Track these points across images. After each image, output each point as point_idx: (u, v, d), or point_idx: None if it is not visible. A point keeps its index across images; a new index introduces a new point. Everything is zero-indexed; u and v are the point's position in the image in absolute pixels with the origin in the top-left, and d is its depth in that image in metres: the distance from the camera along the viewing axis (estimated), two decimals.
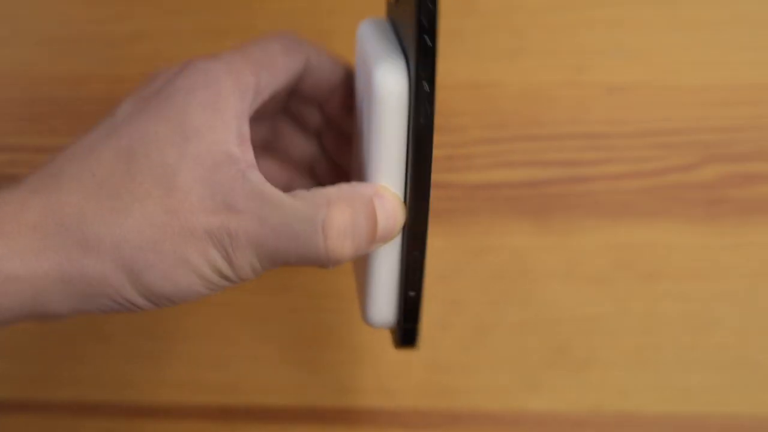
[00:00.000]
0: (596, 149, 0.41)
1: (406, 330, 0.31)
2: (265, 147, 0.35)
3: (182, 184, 0.27)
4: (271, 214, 0.27)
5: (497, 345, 0.41)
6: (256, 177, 0.28)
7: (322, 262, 0.28)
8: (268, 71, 0.31)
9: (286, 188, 0.29)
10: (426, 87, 0.28)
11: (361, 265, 0.32)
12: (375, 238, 0.29)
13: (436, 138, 0.41)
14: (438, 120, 0.42)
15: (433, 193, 0.41)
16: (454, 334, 0.41)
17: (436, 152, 0.41)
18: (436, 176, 0.41)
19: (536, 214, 0.41)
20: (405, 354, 0.41)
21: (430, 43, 0.28)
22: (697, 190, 0.41)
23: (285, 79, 0.32)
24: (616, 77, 0.41)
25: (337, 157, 0.36)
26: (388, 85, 0.29)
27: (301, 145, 0.36)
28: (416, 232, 0.29)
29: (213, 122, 0.28)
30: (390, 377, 0.41)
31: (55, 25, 0.44)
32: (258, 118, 0.34)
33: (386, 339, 0.41)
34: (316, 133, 0.36)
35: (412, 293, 0.30)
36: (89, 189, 0.28)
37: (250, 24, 0.43)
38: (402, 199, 0.29)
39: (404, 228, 0.30)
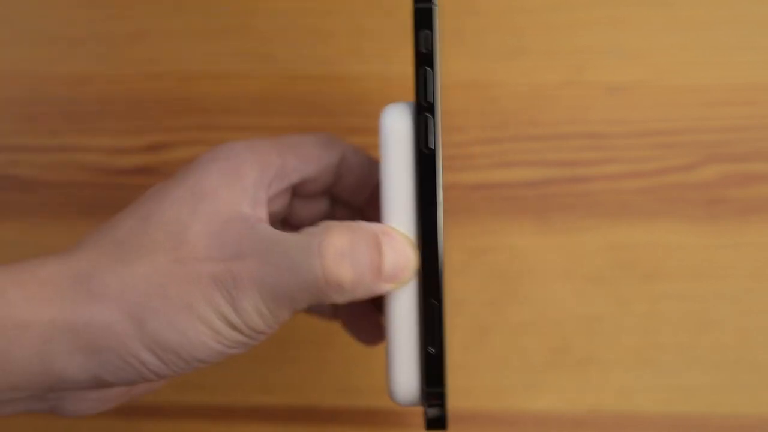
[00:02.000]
0: (596, 149, 0.41)
1: (430, 395, 0.29)
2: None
3: (192, 237, 0.27)
4: (272, 251, 0.27)
5: (497, 345, 0.41)
6: (265, 228, 0.28)
7: (322, 289, 0.27)
8: (296, 156, 0.31)
9: None
10: (425, 112, 0.28)
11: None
12: (381, 273, 0.28)
13: None
14: None
15: None
16: (454, 334, 0.41)
17: None
18: None
19: (536, 213, 0.41)
20: None
21: (431, 70, 0.28)
22: (697, 190, 0.41)
23: (317, 169, 0.32)
24: (616, 77, 0.41)
25: None
26: (390, 118, 0.29)
27: None
28: (430, 278, 0.28)
29: (228, 185, 0.29)
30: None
31: (55, 25, 0.44)
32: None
33: None
34: None
35: (432, 350, 0.29)
36: (105, 248, 0.28)
37: (249, 24, 0.43)
38: (413, 241, 0.29)
39: (417, 276, 0.29)
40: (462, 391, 0.41)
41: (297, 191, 0.33)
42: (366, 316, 0.35)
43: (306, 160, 0.31)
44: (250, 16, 0.43)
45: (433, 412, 0.29)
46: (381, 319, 0.35)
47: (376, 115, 0.41)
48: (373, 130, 0.42)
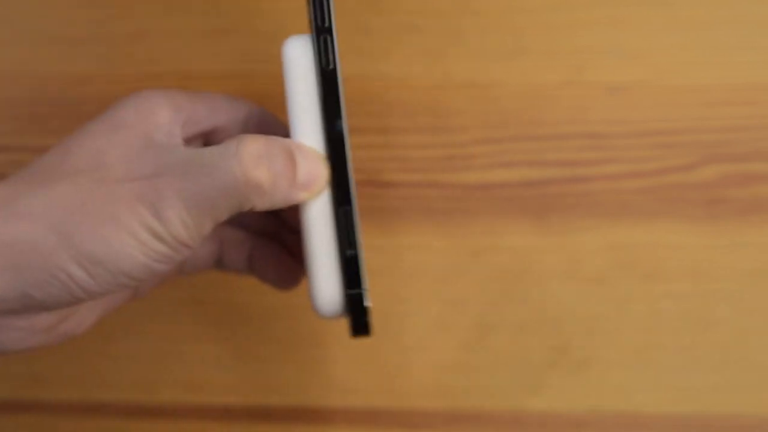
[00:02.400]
0: (596, 149, 0.41)
1: (352, 298, 0.30)
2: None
3: (111, 160, 0.29)
4: (192, 162, 0.29)
5: (497, 345, 0.41)
6: (182, 147, 0.30)
7: (242, 191, 0.29)
8: (206, 106, 0.33)
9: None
10: (323, 35, 0.31)
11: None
12: (296, 180, 0.30)
13: (436, 137, 0.42)
14: (437, 120, 0.42)
15: (433, 193, 0.42)
16: (454, 334, 0.41)
17: (436, 152, 0.42)
18: (435, 176, 0.42)
19: (536, 214, 0.41)
20: (405, 354, 0.41)
21: None
22: (697, 190, 0.41)
23: (226, 119, 0.34)
24: (616, 77, 0.41)
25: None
26: (291, 46, 0.32)
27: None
28: (340, 186, 0.30)
29: (144, 119, 0.31)
30: (390, 377, 0.41)
31: (55, 25, 0.44)
32: None
33: (386, 339, 0.41)
34: None
35: (350, 252, 0.30)
36: (26, 176, 0.30)
37: (249, 24, 0.43)
38: (322, 155, 0.31)
39: (329, 187, 0.31)
40: (462, 391, 0.41)
41: (208, 142, 0.34)
42: (278, 261, 0.36)
43: (216, 110, 0.33)
44: (251, 16, 0.43)
45: (356, 316, 0.31)
46: (292, 261, 0.36)
47: (376, 115, 0.42)
48: (373, 129, 0.42)
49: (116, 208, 0.28)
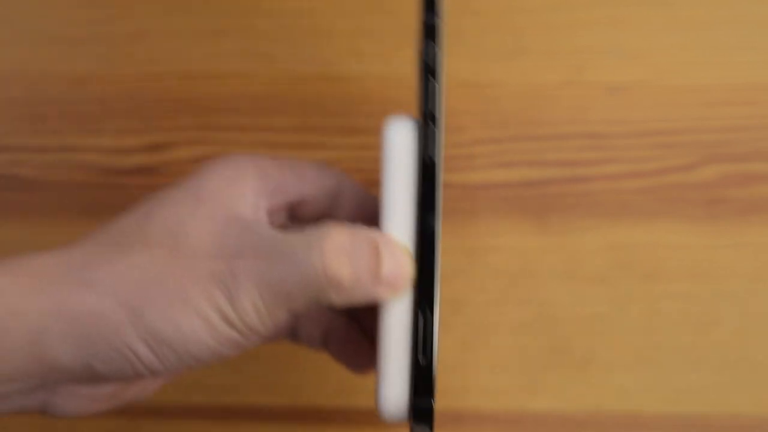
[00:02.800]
0: (596, 149, 0.41)
1: (417, 409, 0.28)
2: None
3: (191, 234, 0.27)
4: (273, 248, 0.27)
5: (497, 345, 0.41)
6: (265, 227, 0.28)
7: (321, 285, 0.27)
8: (295, 174, 0.31)
9: None
10: (430, 124, 0.29)
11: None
12: (379, 277, 0.28)
13: None
14: None
15: None
16: (454, 334, 0.41)
17: None
18: None
19: (536, 214, 0.41)
20: None
21: (433, 82, 0.29)
22: (696, 190, 0.41)
23: (314, 190, 0.32)
24: (615, 77, 0.42)
25: None
26: (394, 130, 0.29)
27: None
28: (425, 288, 0.28)
29: (229, 190, 0.29)
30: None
31: (56, 25, 0.44)
32: None
33: None
34: None
35: (422, 360, 0.28)
36: (101, 242, 0.28)
37: (249, 24, 0.43)
38: (411, 252, 0.29)
39: (413, 287, 0.29)
40: (462, 391, 0.41)
41: (294, 213, 0.33)
42: (355, 343, 0.35)
43: (304, 179, 0.31)
44: (251, 16, 0.43)
45: (420, 426, 0.29)
46: (369, 345, 0.34)
47: (376, 115, 0.42)
48: (373, 129, 0.42)
49: (189, 286, 0.27)
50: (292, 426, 0.42)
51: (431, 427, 0.28)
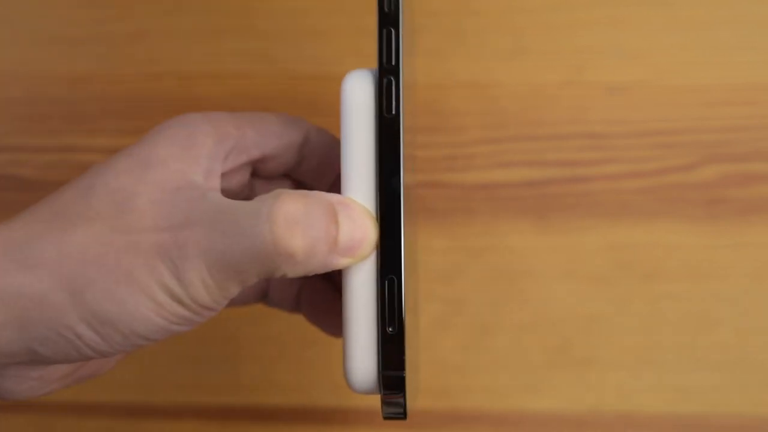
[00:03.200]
0: (596, 149, 0.41)
1: (387, 380, 0.27)
2: None
3: (136, 205, 0.26)
4: (221, 218, 0.25)
5: (497, 345, 0.41)
6: (216, 195, 0.26)
7: (272, 258, 0.25)
8: (256, 131, 0.29)
9: None
10: (389, 77, 0.27)
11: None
12: (337, 244, 0.26)
13: (436, 137, 0.42)
14: (437, 120, 0.42)
15: (433, 193, 0.42)
16: (454, 334, 0.41)
17: (436, 152, 0.42)
18: (435, 176, 0.42)
19: (536, 214, 0.41)
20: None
21: (394, 31, 0.27)
22: (696, 190, 0.41)
23: (278, 146, 0.30)
24: (615, 77, 0.42)
25: None
26: (351, 83, 0.27)
27: None
28: (389, 251, 0.26)
29: (180, 154, 0.27)
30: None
31: (56, 25, 0.44)
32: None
33: None
34: None
35: (390, 330, 0.27)
36: (41, 217, 0.26)
37: (249, 24, 0.43)
38: (373, 214, 0.27)
39: (377, 251, 0.27)
40: (462, 391, 0.41)
41: (257, 170, 0.31)
42: (330, 305, 0.33)
43: (266, 135, 0.30)
44: (250, 16, 0.43)
45: (391, 399, 0.27)
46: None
47: None
48: None
49: (134, 262, 0.25)
50: (292, 426, 0.42)
51: (403, 399, 0.27)
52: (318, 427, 0.41)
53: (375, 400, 0.41)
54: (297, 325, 0.40)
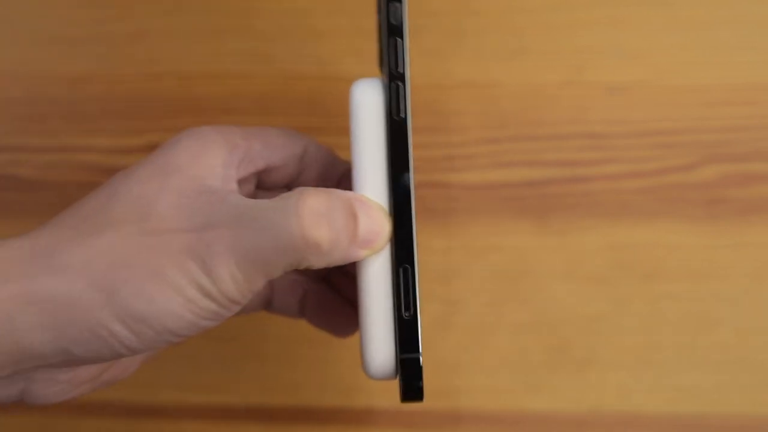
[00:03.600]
0: (596, 149, 0.41)
1: (405, 363, 0.28)
2: None
3: (160, 209, 0.27)
4: (246, 215, 0.27)
5: (497, 345, 0.41)
6: (237, 196, 0.28)
7: (300, 249, 0.27)
8: (261, 143, 0.31)
9: None
10: (397, 83, 0.29)
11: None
12: (357, 237, 0.28)
13: (436, 137, 0.42)
14: (437, 120, 0.42)
15: (433, 193, 0.42)
16: (454, 334, 0.41)
17: (436, 152, 0.42)
18: (435, 176, 0.42)
19: (536, 214, 0.41)
20: None
21: (401, 41, 0.29)
22: (696, 190, 0.41)
23: (281, 157, 0.32)
24: (615, 77, 0.42)
25: None
26: (360, 90, 0.30)
27: None
28: (403, 242, 0.29)
29: (197, 163, 0.29)
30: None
31: (56, 25, 0.44)
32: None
33: None
34: None
35: (406, 314, 0.28)
36: (68, 224, 0.28)
37: (249, 24, 0.43)
38: (386, 209, 0.29)
39: (391, 244, 0.29)
40: (462, 391, 0.41)
41: (261, 181, 0.33)
42: (334, 307, 0.35)
43: (271, 147, 0.32)
44: (250, 16, 0.43)
45: (410, 382, 0.28)
46: (349, 308, 0.35)
47: None
48: None
49: (163, 262, 0.26)
50: (292, 426, 0.42)
51: (420, 381, 0.28)
52: (318, 427, 0.41)
53: (375, 400, 0.41)
54: (297, 325, 0.40)
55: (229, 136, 0.30)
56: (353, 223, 0.28)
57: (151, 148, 0.43)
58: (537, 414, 0.40)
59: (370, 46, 0.42)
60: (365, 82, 0.30)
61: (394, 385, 0.41)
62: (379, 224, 0.28)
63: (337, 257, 0.28)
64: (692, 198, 0.41)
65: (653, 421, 0.40)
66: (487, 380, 0.41)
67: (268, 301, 0.35)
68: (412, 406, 0.40)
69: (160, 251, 0.26)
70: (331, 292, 0.35)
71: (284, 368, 0.42)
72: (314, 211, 0.27)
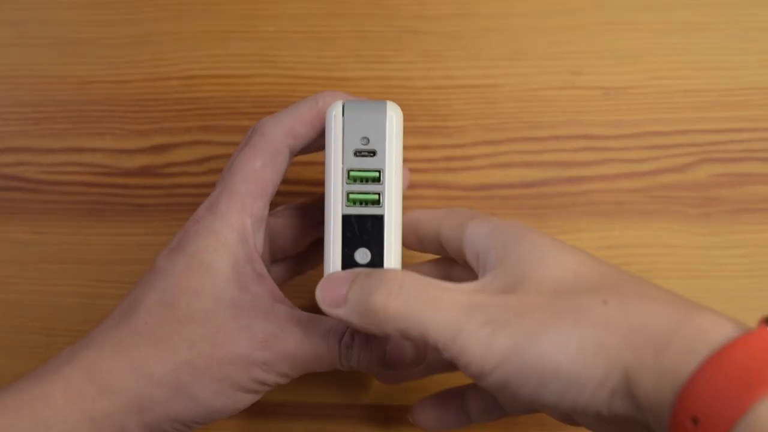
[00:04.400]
0: (592, 150, 0.42)
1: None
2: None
3: (220, 324, 0.33)
4: (298, 331, 0.33)
5: None
6: (281, 309, 0.33)
7: (335, 366, 0.34)
8: (260, 200, 0.34)
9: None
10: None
11: None
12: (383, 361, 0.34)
13: (435, 139, 0.42)
14: (437, 122, 0.42)
15: (433, 193, 0.42)
16: None
17: (435, 153, 0.42)
18: (435, 177, 0.42)
19: (533, 214, 0.41)
20: None
21: None
22: (690, 190, 0.41)
23: (275, 186, 0.35)
24: (611, 80, 0.42)
25: None
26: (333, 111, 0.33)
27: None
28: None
29: (226, 267, 0.33)
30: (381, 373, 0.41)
31: (61, 28, 0.44)
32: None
33: None
34: None
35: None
36: (147, 337, 0.32)
37: (252, 27, 0.43)
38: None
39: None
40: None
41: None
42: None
43: (266, 190, 0.35)
44: (253, 19, 0.43)
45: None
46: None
47: None
48: None
49: (234, 373, 0.33)
50: (292, 423, 0.42)
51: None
52: (318, 425, 0.42)
53: (375, 399, 0.40)
54: None
55: (234, 223, 0.34)
56: (382, 354, 0.34)
57: (155, 150, 0.43)
58: (535, 412, 0.41)
59: (370, 48, 0.43)
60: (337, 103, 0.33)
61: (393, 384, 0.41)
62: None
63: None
64: (686, 198, 0.41)
65: None
66: None
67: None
68: (413, 403, 0.40)
69: (228, 362, 0.33)
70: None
71: None
72: (347, 341, 0.33)
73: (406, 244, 0.35)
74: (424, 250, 0.36)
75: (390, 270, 0.31)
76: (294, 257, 0.40)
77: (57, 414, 0.31)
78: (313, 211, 0.38)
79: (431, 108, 0.42)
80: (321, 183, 0.34)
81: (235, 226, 0.33)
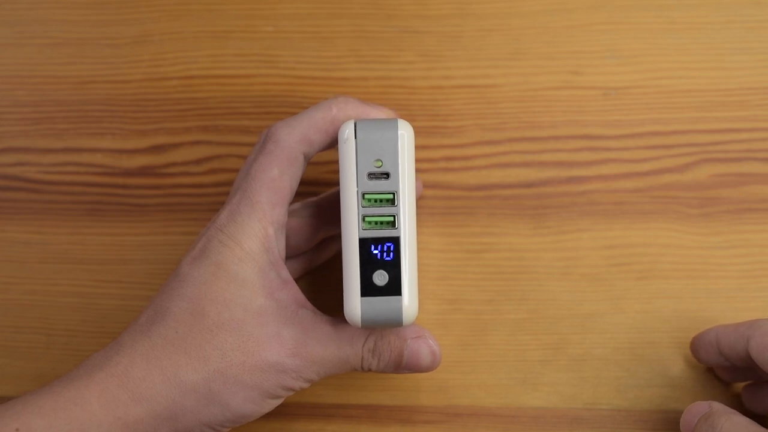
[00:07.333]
0: (592, 150, 0.42)
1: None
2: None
3: (251, 332, 0.34)
4: (325, 341, 0.35)
5: (495, 342, 0.41)
6: (306, 314, 0.35)
7: (358, 369, 0.36)
8: (280, 208, 0.35)
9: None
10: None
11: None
12: (401, 366, 0.36)
13: (435, 139, 0.42)
14: (437, 122, 0.42)
15: (433, 193, 0.42)
16: (454, 332, 0.41)
17: (435, 153, 0.42)
18: (435, 177, 0.42)
19: (533, 214, 0.41)
20: None
21: None
22: (691, 190, 0.41)
23: (293, 192, 0.36)
24: (611, 80, 0.42)
25: None
26: (347, 131, 0.33)
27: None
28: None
29: (253, 276, 0.34)
30: (389, 374, 0.41)
31: (60, 28, 0.44)
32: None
33: None
34: None
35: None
36: (178, 346, 0.33)
37: (252, 26, 0.43)
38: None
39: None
40: (460, 387, 0.41)
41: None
42: None
43: (284, 199, 0.36)
44: (253, 19, 0.43)
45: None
46: None
47: None
48: None
49: (265, 382, 0.34)
50: (292, 422, 0.42)
51: None
52: (317, 424, 0.42)
53: (375, 397, 0.40)
54: None
55: (257, 232, 0.34)
56: (400, 358, 0.36)
57: (154, 150, 0.43)
58: (533, 410, 0.41)
59: (370, 48, 0.43)
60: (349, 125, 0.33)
61: (394, 383, 0.41)
62: (422, 357, 0.36)
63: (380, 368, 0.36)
64: (686, 198, 0.41)
65: (648, 417, 0.40)
66: (485, 377, 0.41)
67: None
68: (412, 403, 0.40)
69: (259, 369, 0.34)
70: None
71: None
72: (369, 348, 0.35)
73: (704, 361, 0.39)
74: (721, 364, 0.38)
75: None
76: (305, 253, 0.40)
77: (92, 418, 0.32)
78: (323, 208, 0.39)
79: (431, 108, 0.42)
80: (326, 183, 0.34)
81: (258, 235, 0.34)
